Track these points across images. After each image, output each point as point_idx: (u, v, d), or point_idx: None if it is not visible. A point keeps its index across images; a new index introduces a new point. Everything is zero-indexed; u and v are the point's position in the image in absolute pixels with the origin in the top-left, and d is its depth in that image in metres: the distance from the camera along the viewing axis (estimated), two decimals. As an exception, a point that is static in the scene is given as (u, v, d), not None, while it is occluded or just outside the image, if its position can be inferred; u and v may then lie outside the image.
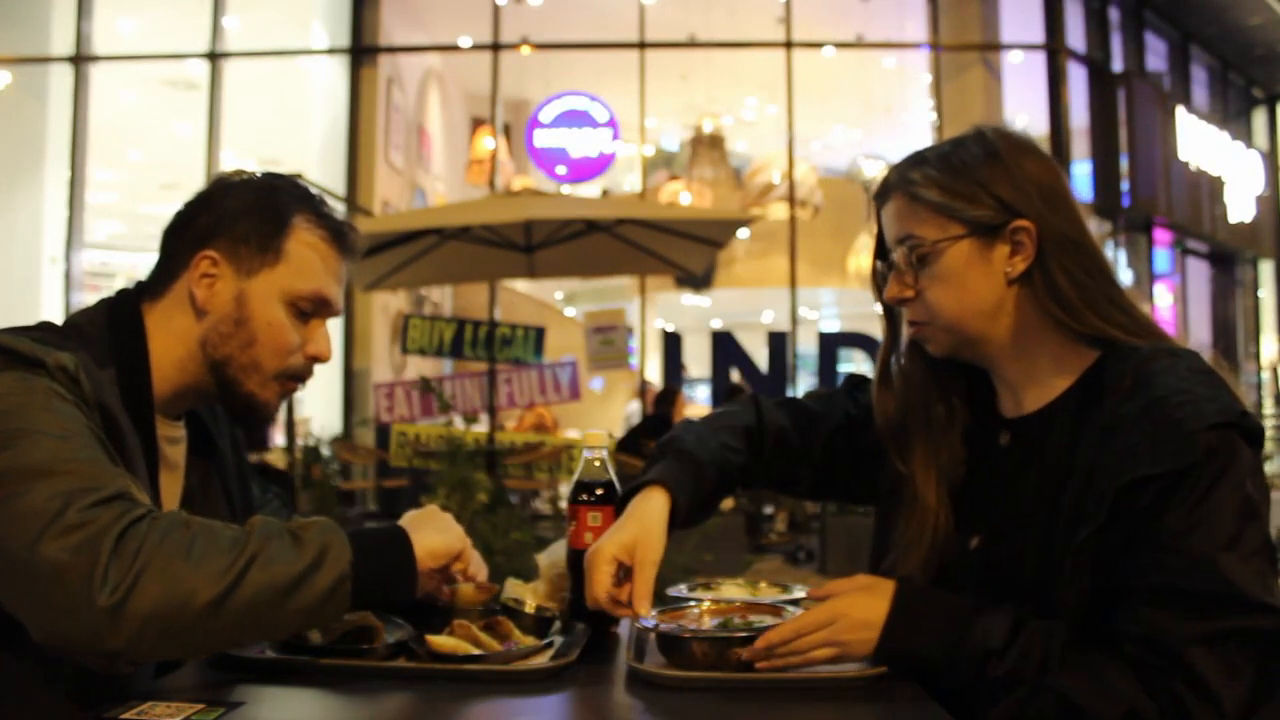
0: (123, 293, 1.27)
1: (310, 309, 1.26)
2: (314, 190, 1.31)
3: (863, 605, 1.12)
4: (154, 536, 0.95)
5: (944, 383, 1.28)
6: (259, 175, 1.30)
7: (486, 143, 10.62)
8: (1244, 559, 0.99)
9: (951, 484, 1.24)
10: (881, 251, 1.26)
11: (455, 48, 10.48)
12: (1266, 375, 13.23)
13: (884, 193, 1.23)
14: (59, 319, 1.23)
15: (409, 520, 1.18)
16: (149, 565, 0.94)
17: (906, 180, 1.19)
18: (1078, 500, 1.07)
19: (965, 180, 1.16)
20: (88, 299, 9.08)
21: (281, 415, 6.67)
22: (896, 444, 1.28)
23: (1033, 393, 1.20)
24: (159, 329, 1.23)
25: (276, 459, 6.45)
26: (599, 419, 11.33)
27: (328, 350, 1.28)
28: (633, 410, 10.57)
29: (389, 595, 1.10)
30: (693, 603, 1.27)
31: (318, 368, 1.30)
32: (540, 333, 7.18)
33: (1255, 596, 0.98)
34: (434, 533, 1.16)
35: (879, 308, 1.31)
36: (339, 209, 1.32)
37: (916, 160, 1.21)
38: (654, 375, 10.38)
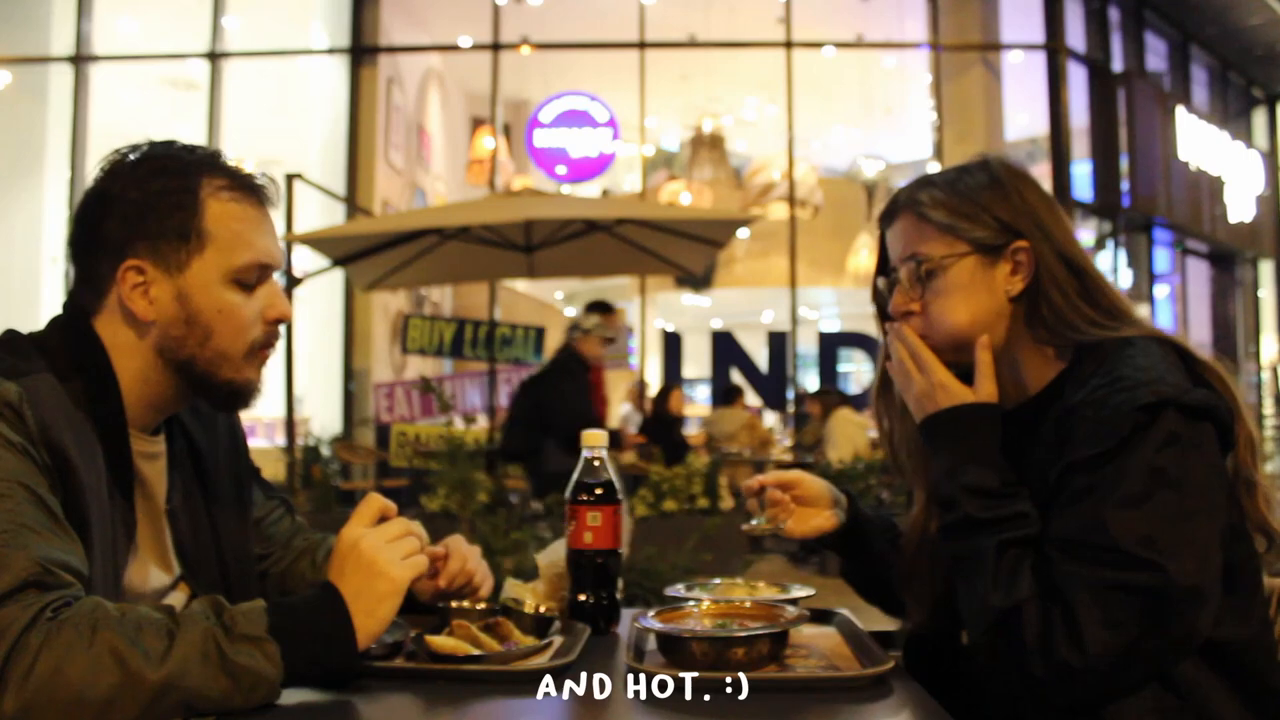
0: (69, 307, 1.20)
1: (254, 278, 1.21)
2: (204, 149, 1.23)
3: (948, 389, 1.23)
4: (48, 656, 0.89)
5: None
6: (146, 152, 1.22)
7: (486, 143, 10.61)
8: (1139, 519, 1.04)
9: None
10: (884, 270, 1.34)
11: (455, 48, 10.48)
12: (1266, 375, 13.22)
13: (891, 213, 1.31)
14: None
15: (346, 581, 1.07)
16: (39, 698, 0.88)
17: (915, 201, 1.28)
18: (1041, 490, 1.16)
19: (969, 203, 1.24)
20: (88, 299, 9.06)
21: (282, 415, 6.68)
22: (896, 454, 1.39)
23: (1018, 392, 1.28)
24: (110, 344, 1.17)
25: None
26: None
27: (287, 308, 1.23)
28: (625, 412, 10.54)
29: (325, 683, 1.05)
30: (692, 603, 1.27)
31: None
32: (540, 333, 7.18)
33: (1136, 553, 1.03)
34: (374, 600, 1.06)
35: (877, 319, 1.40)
36: (247, 171, 1.24)
37: (924, 183, 1.29)
38: (653, 375, 10.37)
